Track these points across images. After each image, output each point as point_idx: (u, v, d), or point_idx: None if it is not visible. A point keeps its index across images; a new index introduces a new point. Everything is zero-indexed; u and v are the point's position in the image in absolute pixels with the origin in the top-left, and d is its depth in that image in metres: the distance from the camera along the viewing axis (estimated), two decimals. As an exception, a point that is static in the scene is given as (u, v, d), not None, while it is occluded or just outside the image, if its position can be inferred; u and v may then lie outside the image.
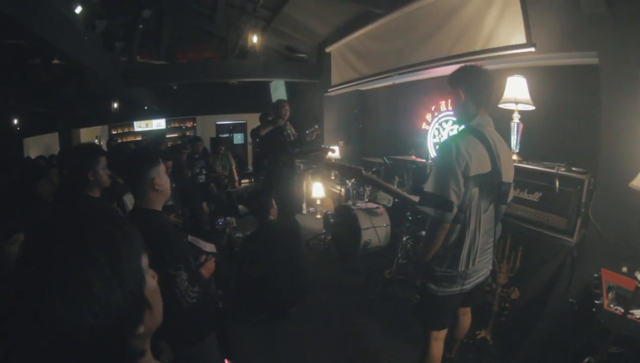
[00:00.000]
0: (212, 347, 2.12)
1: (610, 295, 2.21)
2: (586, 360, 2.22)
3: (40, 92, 7.84)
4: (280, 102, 5.50)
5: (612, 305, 2.14)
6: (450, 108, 5.19)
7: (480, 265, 2.25)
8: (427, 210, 2.09)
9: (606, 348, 2.05)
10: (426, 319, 2.45)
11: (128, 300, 0.67)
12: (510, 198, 2.32)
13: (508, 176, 2.20)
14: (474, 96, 2.15)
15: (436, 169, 2.12)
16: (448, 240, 2.15)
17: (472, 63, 2.47)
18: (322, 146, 6.34)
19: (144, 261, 0.75)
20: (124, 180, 2.21)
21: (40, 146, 11.67)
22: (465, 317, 2.69)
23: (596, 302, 2.21)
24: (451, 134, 5.20)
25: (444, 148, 2.10)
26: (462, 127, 2.27)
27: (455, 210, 2.02)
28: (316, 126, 5.38)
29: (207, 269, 2.18)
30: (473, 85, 2.16)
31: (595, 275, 2.40)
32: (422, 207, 2.12)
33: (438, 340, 2.40)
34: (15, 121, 10.34)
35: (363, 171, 2.71)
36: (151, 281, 0.77)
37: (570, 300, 2.62)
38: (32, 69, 7.18)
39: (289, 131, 5.28)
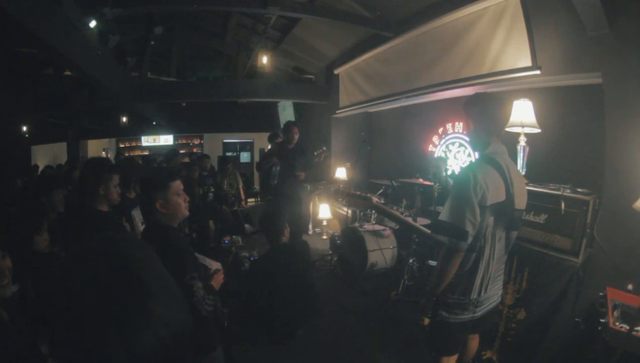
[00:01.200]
0: (219, 361, 2.14)
1: (615, 313, 2.21)
2: (592, 377, 2.20)
3: (51, 102, 7.95)
4: (289, 124, 5.54)
5: (617, 323, 2.13)
6: (457, 131, 5.26)
7: (491, 292, 2.23)
8: (441, 239, 2.08)
9: None
10: (437, 345, 2.40)
11: (184, 311, 0.69)
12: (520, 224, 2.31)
13: (521, 203, 2.20)
14: (484, 125, 2.16)
15: (453, 197, 2.09)
16: (462, 268, 2.12)
17: (483, 90, 2.51)
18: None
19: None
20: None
21: (48, 155, 11.81)
22: (473, 342, 2.66)
23: (602, 320, 2.20)
24: (457, 155, 5.27)
25: (462, 177, 2.09)
26: (476, 153, 2.30)
27: (469, 239, 2.00)
28: (324, 148, 5.41)
29: (217, 282, 2.21)
30: (482, 115, 2.16)
31: (601, 293, 2.39)
32: (437, 235, 2.11)
33: None
34: (25, 128, 10.47)
35: (374, 199, 2.69)
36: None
37: (576, 319, 2.61)
38: (44, 78, 7.30)
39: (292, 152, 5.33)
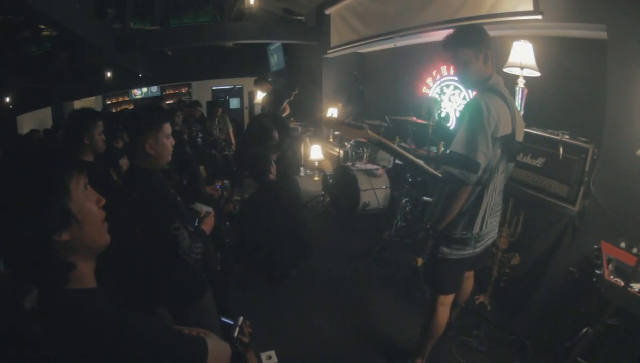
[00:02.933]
0: (210, 308, 2.15)
1: (610, 266, 2.19)
2: (584, 330, 2.23)
3: (31, 67, 7.58)
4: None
5: (612, 277, 2.12)
6: (451, 73, 5.11)
7: (491, 227, 2.24)
8: (452, 171, 2.01)
9: (605, 320, 2.05)
10: (435, 283, 2.42)
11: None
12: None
13: (520, 135, 2.16)
14: (487, 53, 2.06)
15: (466, 129, 2.00)
16: (467, 202, 2.10)
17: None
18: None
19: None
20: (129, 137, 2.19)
21: (34, 122, 11.33)
22: (468, 281, 2.72)
23: (597, 271, 2.19)
24: (452, 98, 5.16)
25: (475, 108, 1.99)
26: (474, 91, 2.21)
27: (480, 172, 1.97)
28: (295, 92, 5.37)
29: (207, 224, 2.20)
30: (484, 42, 2.05)
31: (595, 246, 2.37)
32: (448, 167, 2.04)
33: (445, 305, 2.40)
34: (7, 99, 10.01)
35: (368, 130, 2.57)
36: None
37: (571, 268, 2.62)
38: (22, 43, 6.91)
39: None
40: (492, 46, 2.09)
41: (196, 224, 2.16)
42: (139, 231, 1.80)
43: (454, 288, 2.41)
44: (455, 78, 5.07)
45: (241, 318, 1.51)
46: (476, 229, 2.14)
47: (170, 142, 1.99)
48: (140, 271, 1.96)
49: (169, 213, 1.86)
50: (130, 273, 1.90)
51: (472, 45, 2.05)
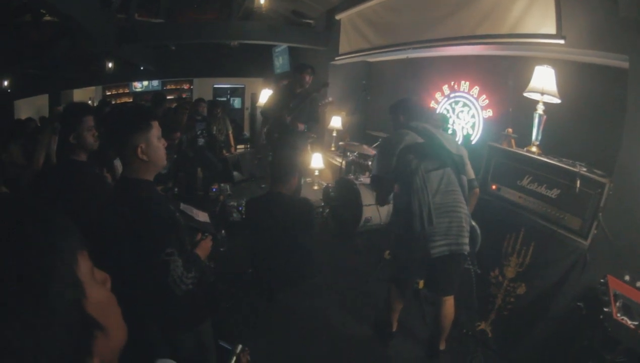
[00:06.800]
0: (207, 333, 2.04)
1: (617, 304, 2.17)
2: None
3: (30, 52, 7.37)
4: (302, 66, 5.03)
5: (619, 314, 2.09)
6: (462, 90, 5.04)
7: (441, 227, 2.46)
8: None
9: (614, 359, 2.03)
10: (391, 274, 3.09)
11: (64, 332, 0.47)
12: (471, 174, 2.75)
13: (456, 150, 2.68)
14: (407, 116, 2.87)
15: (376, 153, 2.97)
16: (397, 204, 2.71)
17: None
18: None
19: (82, 265, 0.53)
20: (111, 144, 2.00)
21: (31, 108, 11.11)
22: (445, 305, 2.74)
23: (605, 309, 2.16)
24: (460, 115, 5.09)
25: (381, 142, 2.94)
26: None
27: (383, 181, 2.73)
28: (330, 99, 5.23)
29: (203, 249, 1.96)
30: (410, 111, 2.91)
31: (602, 280, 2.36)
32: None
33: (393, 291, 2.93)
34: (6, 83, 9.75)
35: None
36: (97, 291, 0.56)
37: (578, 303, 2.56)
38: (22, 27, 6.68)
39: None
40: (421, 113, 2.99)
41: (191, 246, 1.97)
42: (129, 251, 1.62)
43: (398, 284, 2.89)
44: (465, 95, 5.00)
45: (240, 346, 1.40)
46: (417, 227, 2.45)
47: (162, 144, 1.79)
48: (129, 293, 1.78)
49: (163, 235, 1.67)
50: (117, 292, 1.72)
51: (405, 113, 2.89)
